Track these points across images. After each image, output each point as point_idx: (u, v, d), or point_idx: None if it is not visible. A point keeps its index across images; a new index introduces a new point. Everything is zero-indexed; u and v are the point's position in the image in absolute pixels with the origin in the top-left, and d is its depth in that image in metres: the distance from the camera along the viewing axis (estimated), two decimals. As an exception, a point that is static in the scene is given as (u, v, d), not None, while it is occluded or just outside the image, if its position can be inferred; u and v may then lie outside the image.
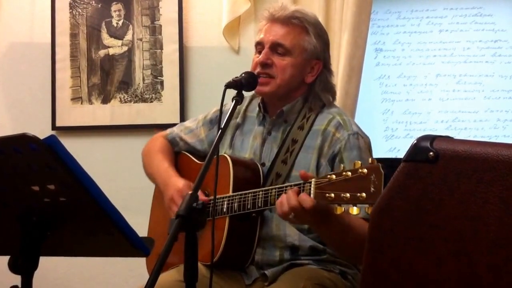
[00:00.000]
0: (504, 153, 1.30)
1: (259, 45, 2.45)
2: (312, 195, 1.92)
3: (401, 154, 3.13)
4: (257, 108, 2.54)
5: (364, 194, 1.80)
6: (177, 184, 2.44)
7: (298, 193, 1.97)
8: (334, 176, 1.89)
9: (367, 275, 1.48)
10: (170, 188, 2.47)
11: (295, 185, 2.04)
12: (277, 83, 2.39)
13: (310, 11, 2.52)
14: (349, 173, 1.85)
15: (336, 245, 2.22)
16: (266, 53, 2.40)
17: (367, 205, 1.83)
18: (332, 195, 1.87)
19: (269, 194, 2.14)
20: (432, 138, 1.40)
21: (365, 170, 1.82)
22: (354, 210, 1.84)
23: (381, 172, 1.79)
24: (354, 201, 1.83)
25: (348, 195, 1.83)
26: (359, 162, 1.86)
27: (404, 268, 1.41)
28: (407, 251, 1.41)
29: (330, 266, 2.35)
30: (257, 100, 2.56)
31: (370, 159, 1.85)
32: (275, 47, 2.40)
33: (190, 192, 1.68)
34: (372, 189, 1.79)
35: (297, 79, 2.43)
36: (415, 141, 1.42)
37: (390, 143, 3.57)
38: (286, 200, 1.97)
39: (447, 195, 1.36)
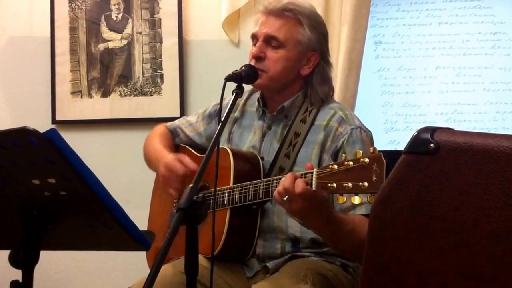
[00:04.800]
0: (505, 144, 1.30)
1: (254, 38, 2.45)
2: (314, 185, 1.92)
3: (401, 147, 3.13)
4: (256, 103, 2.54)
5: (366, 183, 1.80)
6: (166, 159, 2.48)
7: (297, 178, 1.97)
8: (336, 166, 1.89)
9: (367, 266, 1.48)
10: (160, 165, 2.50)
11: None
12: (268, 75, 2.39)
13: (306, 3, 2.51)
14: (351, 163, 1.85)
15: (332, 241, 2.21)
16: (260, 46, 2.40)
17: (369, 194, 1.83)
18: (334, 185, 1.87)
19: (271, 185, 2.14)
20: (432, 130, 1.40)
21: (366, 160, 1.82)
22: (356, 200, 1.85)
23: (382, 161, 1.79)
24: (356, 191, 1.83)
25: (350, 184, 1.83)
26: (361, 152, 1.86)
27: (405, 259, 1.41)
28: (408, 243, 1.41)
29: (331, 258, 2.36)
30: (256, 95, 2.56)
31: (371, 148, 1.85)
32: (269, 40, 2.40)
33: (190, 185, 1.68)
34: (374, 178, 1.79)
35: (291, 71, 2.42)
36: (416, 133, 1.42)
37: (390, 135, 3.57)
38: (282, 180, 1.98)
39: (447, 187, 1.36)
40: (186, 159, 2.42)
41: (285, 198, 1.95)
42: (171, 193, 2.44)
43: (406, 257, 1.41)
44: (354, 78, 3.28)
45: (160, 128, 2.80)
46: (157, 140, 2.69)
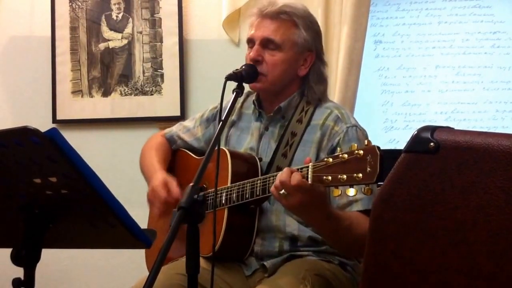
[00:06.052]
0: (505, 143, 1.30)
1: (250, 42, 2.46)
2: (309, 179, 1.92)
3: (400, 146, 3.14)
4: (252, 105, 2.55)
5: (360, 175, 1.80)
6: (154, 181, 2.47)
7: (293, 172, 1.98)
8: (331, 160, 1.89)
9: (368, 265, 1.48)
10: (149, 185, 2.51)
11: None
12: (268, 80, 2.39)
13: (299, 4, 2.52)
14: (346, 156, 1.85)
15: (330, 238, 2.21)
16: (257, 49, 2.40)
17: (364, 186, 1.83)
18: (329, 177, 1.87)
19: (267, 182, 2.15)
20: (433, 129, 1.41)
21: (361, 152, 1.82)
22: (351, 191, 1.85)
23: (376, 153, 1.79)
24: (351, 182, 1.83)
25: (344, 176, 1.83)
26: (355, 144, 1.86)
27: (405, 258, 1.42)
28: (408, 242, 1.42)
29: (329, 257, 2.36)
30: (252, 97, 2.56)
31: (366, 141, 1.85)
32: (266, 43, 2.40)
33: (191, 184, 1.68)
34: (368, 169, 1.79)
35: (289, 73, 2.43)
36: (416, 132, 1.43)
37: (390, 134, 3.58)
38: (279, 175, 1.98)
39: (448, 186, 1.36)
40: (173, 185, 2.42)
41: (281, 192, 1.95)
42: (156, 212, 2.46)
43: (406, 255, 1.42)
44: (354, 78, 3.28)
45: (156, 137, 2.79)
46: (153, 153, 2.68)
